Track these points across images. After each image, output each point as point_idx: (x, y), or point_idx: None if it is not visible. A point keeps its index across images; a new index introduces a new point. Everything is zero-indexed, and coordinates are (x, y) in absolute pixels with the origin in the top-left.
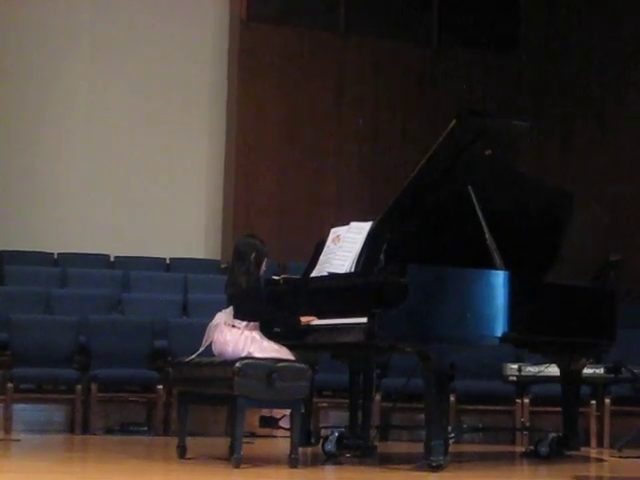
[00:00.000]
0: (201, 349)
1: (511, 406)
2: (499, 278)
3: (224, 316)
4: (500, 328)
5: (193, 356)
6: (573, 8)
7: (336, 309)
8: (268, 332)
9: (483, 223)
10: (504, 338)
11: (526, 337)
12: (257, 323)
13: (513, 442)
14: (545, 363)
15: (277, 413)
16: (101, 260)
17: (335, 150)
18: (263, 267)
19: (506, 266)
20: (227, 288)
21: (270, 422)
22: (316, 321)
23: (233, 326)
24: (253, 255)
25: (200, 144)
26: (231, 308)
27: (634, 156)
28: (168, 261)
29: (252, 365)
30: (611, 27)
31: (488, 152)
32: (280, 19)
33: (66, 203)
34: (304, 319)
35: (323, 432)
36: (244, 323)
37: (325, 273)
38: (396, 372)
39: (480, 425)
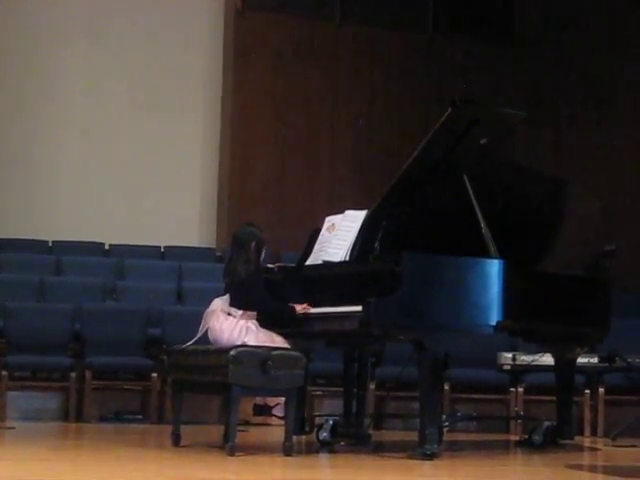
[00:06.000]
0: (198, 335)
1: (505, 395)
2: (494, 267)
3: (221, 302)
4: (495, 317)
5: (190, 342)
6: None
7: (331, 297)
8: (264, 320)
9: (478, 212)
10: (498, 327)
11: (520, 326)
12: (253, 313)
13: (507, 431)
14: (539, 352)
15: (270, 401)
16: (96, 248)
17: (330, 139)
18: (262, 256)
19: (501, 255)
20: (225, 276)
21: (264, 410)
22: (311, 309)
23: (229, 314)
24: (253, 244)
25: (195, 132)
26: (228, 295)
27: (631, 146)
28: (163, 249)
29: (247, 353)
30: (610, 16)
31: (483, 141)
32: (275, 8)
33: (61, 191)
34: (299, 307)
35: (317, 420)
36: (240, 312)
37: (320, 261)
38: (390, 361)
39: (474, 414)
